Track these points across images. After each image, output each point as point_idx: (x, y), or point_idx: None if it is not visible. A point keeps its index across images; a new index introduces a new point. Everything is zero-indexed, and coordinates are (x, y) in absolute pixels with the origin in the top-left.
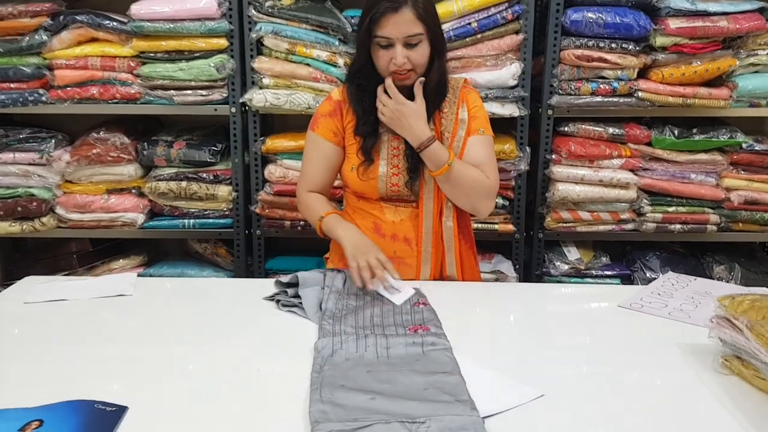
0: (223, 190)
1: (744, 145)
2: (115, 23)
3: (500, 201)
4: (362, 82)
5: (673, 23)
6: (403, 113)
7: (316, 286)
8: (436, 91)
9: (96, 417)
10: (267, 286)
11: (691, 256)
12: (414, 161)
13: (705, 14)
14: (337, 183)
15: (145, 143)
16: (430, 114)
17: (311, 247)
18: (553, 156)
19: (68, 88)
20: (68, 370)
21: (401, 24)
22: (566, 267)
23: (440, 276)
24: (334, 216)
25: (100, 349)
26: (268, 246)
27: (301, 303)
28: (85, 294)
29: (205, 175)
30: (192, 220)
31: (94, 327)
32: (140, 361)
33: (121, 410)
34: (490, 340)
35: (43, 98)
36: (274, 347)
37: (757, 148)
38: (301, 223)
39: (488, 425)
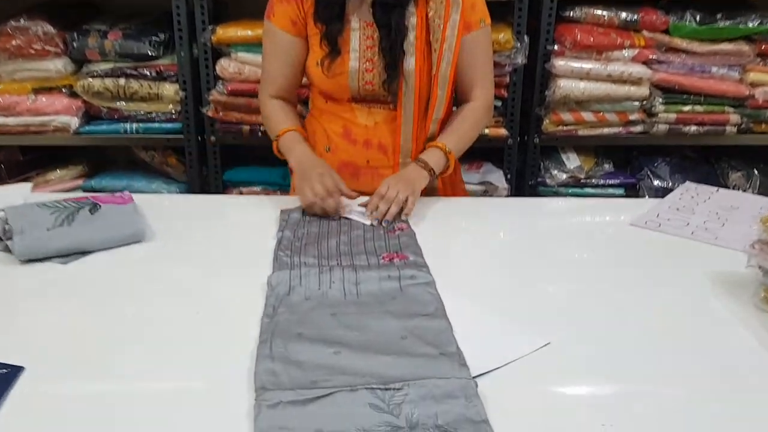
0: (169, 89)
1: None
2: None
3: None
4: None
5: None
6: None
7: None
8: None
9: None
10: (220, 204)
11: (705, 161)
12: (393, 56)
13: None
14: (304, 81)
15: (75, 33)
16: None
17: (275, 155)
18: (555, 47)
19: None
20: None
21: None
22: (564, 176)
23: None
24: (291, 136)
25: None
26: (225, 155)
27: None
28: None
29: (146, 71)
30: (135, 125)
31: None
32: (52, 297)
33: (14, 372)
34: (480, 271)
35: None
36: (219, 283)
37: None
38: (262, 128)
39: (482, 386)
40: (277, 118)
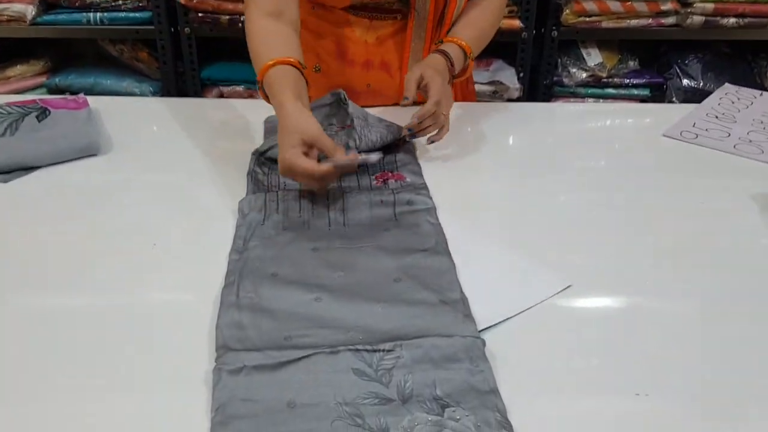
0: None
1: None
2: None
3: None
4: None
5: None
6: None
7: None
8: None
9: None
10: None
11: (741, 59)
12: None
13: None
14: None
15: None
16: None
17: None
18: None
19: None
20: None
21: None
22: (584, 75)
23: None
24: (280, 71)
25: None
26: (202, 48)
27: None
28: None
29: None
30: (99, 14)
31: None
32: None
33: None
34: (489, 193)
35: None
36: (185, 207)
37: None
38: (243, 18)
39: (490, 344)
40: (266, 44)
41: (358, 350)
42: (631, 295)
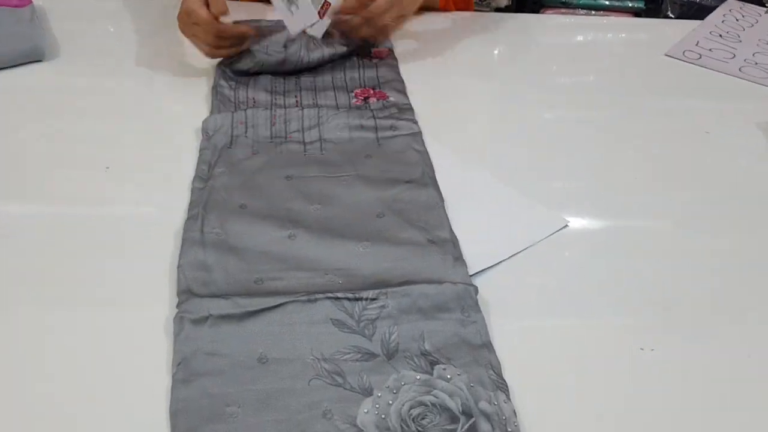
0: None
1: None
2: None
3: None
4: None
5: None
6: None
7: None
8: None
9: None
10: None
11: None
12: None
13: None
14: None
15: None
16: None
17: None
18: None
19: None
20: None
21: None
22: None
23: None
24: None
25: None
26: None
27: None
28: None
29: None
30: None
31: None
32: None
33: None
34: (477, 115)
35: None
36: (139, 125)
37: None
38: None
39: (482, 290)
40: None
41: (338, 298)
42: (631, 230)
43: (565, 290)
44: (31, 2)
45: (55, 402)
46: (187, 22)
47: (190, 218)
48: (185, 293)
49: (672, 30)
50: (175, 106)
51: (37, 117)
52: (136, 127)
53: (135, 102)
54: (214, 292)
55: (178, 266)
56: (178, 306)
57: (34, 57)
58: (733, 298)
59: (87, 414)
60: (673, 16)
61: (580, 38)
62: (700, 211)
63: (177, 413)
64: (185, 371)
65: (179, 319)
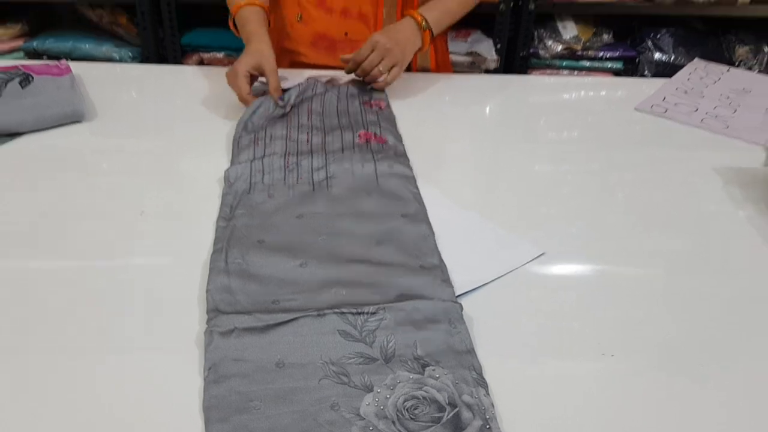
0: None
1: None
2: None
3: None
4: None
5: None
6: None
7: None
8: None
9: None
10: (173, 74)
11: (711, 34)
12: None
13: None
14: None
15: None
16: None
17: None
18: None
19: None
20: None
21: None
22: (559, 47)
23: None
24: (248, 11)
25: None
26: (183, 14)
27: None
28: None
29: None
30: None
31: None
32: None
33: None
34: (465, 162)
35: None
36: (171, 173)
37: None
38: None
39: (467, 308)
40: None
41: (343, 313)
42: (600, 262)
43: (538, 308)
44: (71, 71)
45: (104, 405)
46: (233, 79)
47: (216, 251)
48: (213, 311)
49: (647, 87)
50: (198, 159)
51: (78, 171)
52: (166, 174)
53: (163, 154)
54: (238, 310)
55: (207, 290)
56: (207, 322)
57: (74, 118)
58: (688, 320)
59: (135, 414)
60: (649, 75)
61: (563, 96)
62: (662, 246)
63: (210, 408)
64: (215, 374)
65: (209, 333)
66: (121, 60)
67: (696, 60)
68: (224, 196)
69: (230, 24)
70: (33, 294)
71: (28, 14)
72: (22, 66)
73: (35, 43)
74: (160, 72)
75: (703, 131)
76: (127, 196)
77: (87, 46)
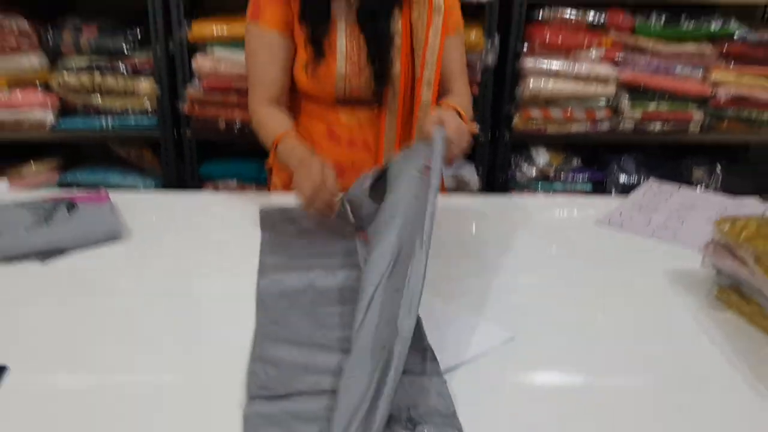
0: (145, 85)
1: (736, 35)
2: None
3: None
4: None
5: None
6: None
7: None
8: None
9: None
10: (197, 200)
11: (670, 158)
12: (381, 64)
13: None
14: None
15: (50, 28)
16: (395, 7)
17: (252, 149)
18: (525, 47)
19: None
20: None
21: None
22: (534, 172)
23: None
24: (289, 140)
25: None
26: (201, 149)
27: None
28: None
29: (122, 66)
30: (111, 120)
31: None
32: (33, 295)
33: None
34: (449, 267)
35: None
36: (199, 282)
37: (750, 39)
38: (238, 122)
39: (450, 381)
40: (272, 123)
41: None
42: (556, 351)
43: (510, 381)
44: (109, 199)
45: None
46: (322, 191)
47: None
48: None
49: (614, 204)
50: (221, 272)
51: (118, 281)
52: (198, 282)
53: (190, 270)
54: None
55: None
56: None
57: (113, 238)
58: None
59: None
60: (616, 193)
61: (537, 212)
62: (612, 346)
63: None
64: None
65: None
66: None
67: (651, 180)
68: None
69: (271, 157)
70: (58, 408)
71: (62, 150)
72: (68, 196)
73: (68, 177)
74: (182, 197)
75: (654, 240)
76: (162, 300)
77: (115, 179)
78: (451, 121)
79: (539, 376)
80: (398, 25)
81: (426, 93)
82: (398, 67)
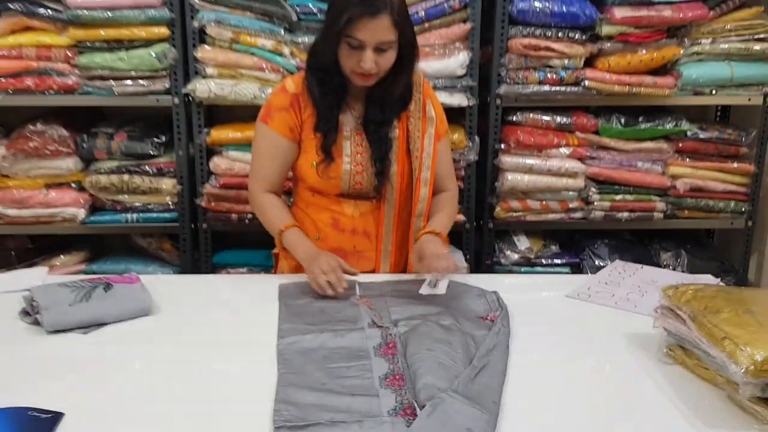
0: (167, 184)
1: (689, 133)
2: (50, 11)
3: None
4: (324, 78)
5: (619, 12)
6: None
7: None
8: (400, 98)
9: (29, 425)
10: (213, 282)
11: (639, 243)
12: (382, 164)
13: (649, 3)
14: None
15: (85, 136)
16: (393, 118)
17: (260, 239)
18: (502, 146)
19: (2, 79)
20: None
21: (377, 30)
22: (516, 256)
23: (402, 269)
24: (295, 231)
25: (31, 350)
26: (214, 240)
27: None
28: None
29: (148, 168)
30: (135, 215)
31: (17, 326)
32: (78, 362)
33: (56, 417)
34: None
35: None
36: (220, 354)
37: (701, 136)
38: (249, 216)
39: None
40: (276, 212)
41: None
42: (528, 401)
43: None
44: (140, 280)
45: None
46: (331, 269)
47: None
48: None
49: (584, 280)
50: (245, 342)
51: (150, 350)
52: (219, 354)
53: (217, 339)
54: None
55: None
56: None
57: (143, 313)
58: None
59: None
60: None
61: (518, 289)
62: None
63: None
64: None
65: None
66: None
67: (617, 261)
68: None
69: (277, 240)
70: None
71: (88, 242)
72: (104, 278)
73: (95, 267)
74: (202, 279)
75: (617, 310)
76: (188, 369)
77: (136, 268)
78: (441, 256)
79: (516, 419)
80: (396, 132)
81: (423, 190)
82: (396, 167)
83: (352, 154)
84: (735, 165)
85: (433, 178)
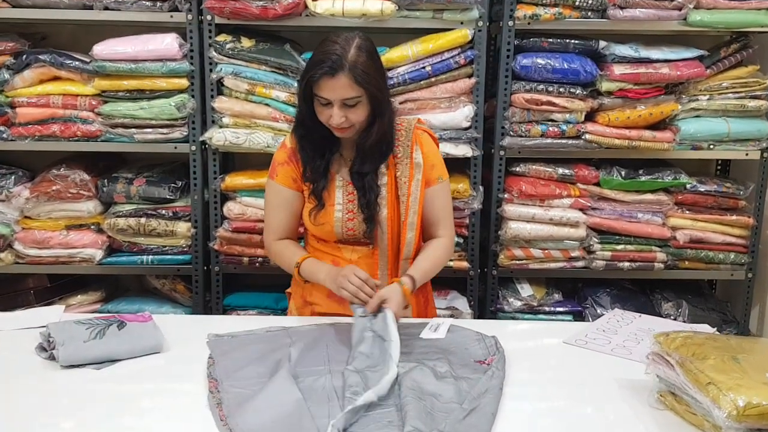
0: (182, 227)
1: (688, 186)
2: (77, 62)
3: (455, 239)
4: (305, 132)
5: (618, 69)
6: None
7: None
8: (376, 147)
9: None
10: (223, 323)
11: (641, 292)
12: (370, 211)
13: (648, 61)
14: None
15: (105, 180)
16: (376, 167)
17: (270, 282)
18: (505, 195)
19: (29, 126)
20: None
21: (338, 88)
22: (519, 303)
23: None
24: (311, 261)
25: (46, 384)
26: (226, 282)
27: None
28: (8, 325)
29: (164, 211)
30: (151, 257)
31: (34, 361)
32: (90, 397)
33: None
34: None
35: (4, 135)
36: None
37: (700, 189)
38: (260, 259)
39: None
40: (288, 251)
41: None
42: None
43: None
44: (152, 319)
45: None
46: (355, 278)
47: None
48: None
49: (582, 327)
50: None
51: (161, 385)
52: None
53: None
54: None
55: None
56: None
57: (155, 350)
58: None
59: None
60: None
61: (518, 335)
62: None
63: None
64: None
65: None
66: None
67: (616, 309)
68: None
69: (295, 273)
70: None
71: (104, 282)
72: (118, 316)
73: (110, 307)
74: (210, 319)
75: (613, 356)
76: (200, 402)
77: (150, 308)
78: (393, 298)
79: None
80: (385, 178)
81: (410, 234)
82: (385, 213)
83: (343, 201)
84: (734, 217)
85: (420, 223)
